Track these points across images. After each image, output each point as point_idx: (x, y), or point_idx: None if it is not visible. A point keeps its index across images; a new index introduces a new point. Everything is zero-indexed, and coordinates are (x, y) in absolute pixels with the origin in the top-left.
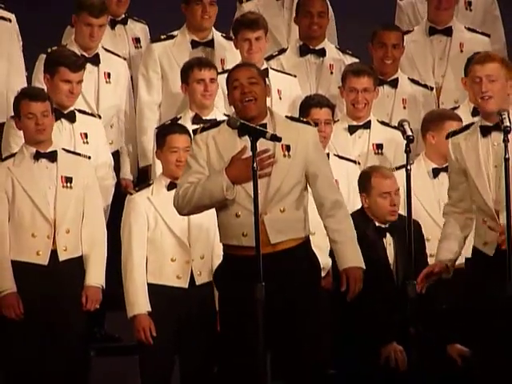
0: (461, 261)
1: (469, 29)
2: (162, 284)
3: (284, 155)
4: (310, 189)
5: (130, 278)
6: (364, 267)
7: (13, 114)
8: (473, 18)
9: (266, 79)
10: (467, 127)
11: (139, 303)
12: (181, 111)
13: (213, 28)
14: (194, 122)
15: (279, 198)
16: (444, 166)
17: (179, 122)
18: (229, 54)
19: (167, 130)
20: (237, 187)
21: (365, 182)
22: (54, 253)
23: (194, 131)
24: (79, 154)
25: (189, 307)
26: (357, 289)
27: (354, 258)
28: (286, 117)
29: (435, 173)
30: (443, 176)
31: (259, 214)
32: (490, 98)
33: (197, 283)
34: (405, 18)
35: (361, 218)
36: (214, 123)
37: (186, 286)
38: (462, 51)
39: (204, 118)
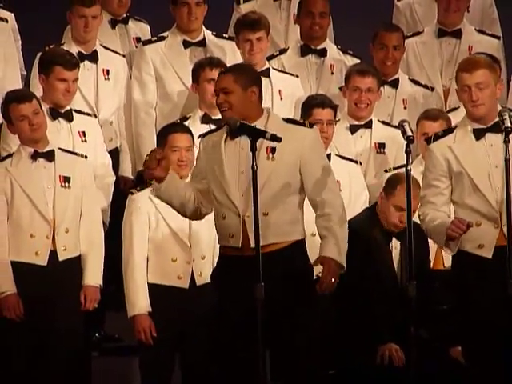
0: None
1: (479, 31)
2: (163, 284)
3: (267, 157)
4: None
5: (131, 277)
6: (343, 266)
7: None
8: (471, 19)
9: (268, 79)
10: (451, 131)
11: (140, 303)
12: (182, 110)
13: (203, 27)
14: (203, 122)
15: (261, 201)
16: None
17: (188, 121)
18: (222, 52)
19: (169, 130)
20: (219, 191)
21: (391, 185)
22: (53, 253)
23: (198, 136)
24: (76, 154)
25: (189, 308)
26: (329, 281)
27: (335, 252)
28: (284, 119)
29: None
30: None
31: (241, 216)
32: (480, 105)
33: (197, 284)
34: (402, 19)
35: (370, 217)
36: (219, 127)
37: (187, 286)
38: (470, 54)
39: (213, 117)
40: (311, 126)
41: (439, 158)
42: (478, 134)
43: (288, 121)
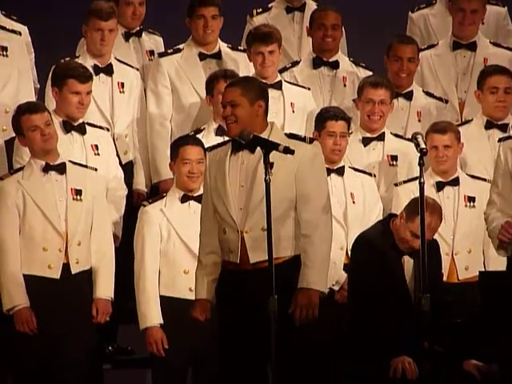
0: (475, 273)
1: (494, 43)
2: (175, 296)
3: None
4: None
5: (143, 290)
6: (322, 290)
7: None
8: (486, 31)
9: (280, 92)
10: None
11: (151, 315)
12: (198, 122)
13: (219, 40)
14: (217, 134)
15: (260, 216)
16: (449, 179)
17: (202, 133)
18: (236, 65)
19: (181, 142)
20: (221, 205)
21: (414, 210)
22: (65, 266)
23: (205, 149)
24: (86, 166)
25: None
26: (304, 313)
27: (310, 279)
28: (286, 134)
29: (439, 186)
30: (448, 190)
31: (239, 232)
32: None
33: None
34: (416, 30)
35: (383, 231)
36: (223, 142)
37: None
38: (485, 66)
39: None
40: (311, 141)
41: (502, 157)
42: None
43: (290, 136)
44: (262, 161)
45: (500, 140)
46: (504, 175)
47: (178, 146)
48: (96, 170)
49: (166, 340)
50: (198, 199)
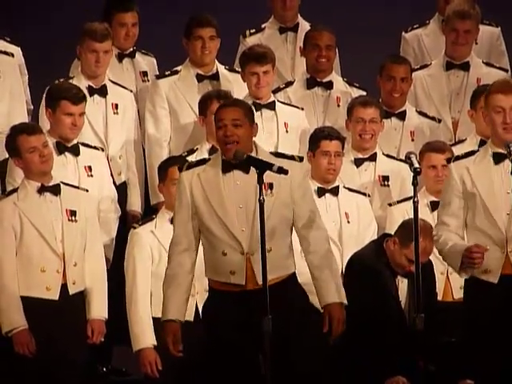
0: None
1: (486, 63)
2: None
3: (266, 194)
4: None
5: (135, 312)
6: (346, 302)
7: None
8: (479, 51)
9: (273, 112)
10: (472, 153)
11: (144, 337)
12: (196, 143)
13: (216, 61)
14: (210, 154)
15: (266, 238)
16: None
17: (195, 153)
18: (234, 86)
19: (168, 163)
20: (219, 226)
21: (408, 236)
22: (63, 287)
23: (180, 168)
24: (78, 187)
25: (194, 339)
26: (340, 329)
27: (335, 293)
28: (271, 153)
29: (434, 206)
30: None
31: (245, 254)
32: None
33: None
34: (410, 50)
35: (376, 251)
36: (201, 160)
37: (191, 319)
38: (479, 86)
39: None
40: (301, 159)
41: (456, 177)
42: (498, 159)
43: (276, 155)
44: (257, 181)
45: (451, 160)
46: (459, 196)
47: (166, 167)
48: (87, 190)
49: (159, 361)
50: None
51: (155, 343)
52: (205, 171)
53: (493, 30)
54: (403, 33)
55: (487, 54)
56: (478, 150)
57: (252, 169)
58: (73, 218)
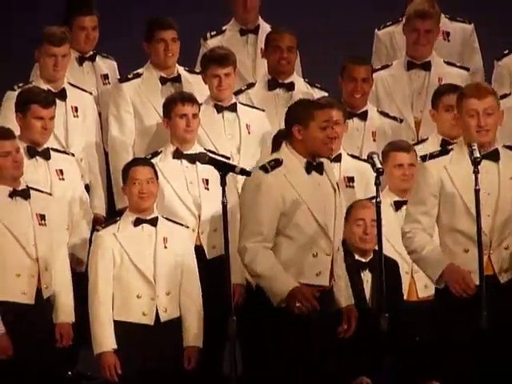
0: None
1: (448, 63)
2: (128, 321)
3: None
4: None
5: (96, 315)
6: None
7: None
8: (451, 48)
9: (235, 114)
10: (446, 152)
11: (105, 341)
12: (160, 145)
13: (176, 63)
14: (174, 157)
15: (338, 238)
16: (406, 198)
17: (160, 156)
18: (195, 88)
19: (130, 164)
20: (315, 227)
21: (347, 213)
22: (38, 291)
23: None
24: (41, 191)
25: (155, 344)
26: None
27: (349, 296)
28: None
29: (397, 206)
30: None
31: (331, 254)
32: (487, 131)
33: (162, 320)
34: (383, 48)
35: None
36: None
37: (152, 323)
38: (440, 85)
39: (185, 152)
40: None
41: (434, 176)
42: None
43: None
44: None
45: (424, 159)
46: (435, 195)
47: (127, 168)
48: (51, 194)
49: (119, 365)
50: (152, 222)
51: (115, 347)
52: (288, 173)
53: (466, 26)
54: (376, 30)
55: (459, 51)
56: (451, 149)
57: (325, 169)
58: (43, 222)
